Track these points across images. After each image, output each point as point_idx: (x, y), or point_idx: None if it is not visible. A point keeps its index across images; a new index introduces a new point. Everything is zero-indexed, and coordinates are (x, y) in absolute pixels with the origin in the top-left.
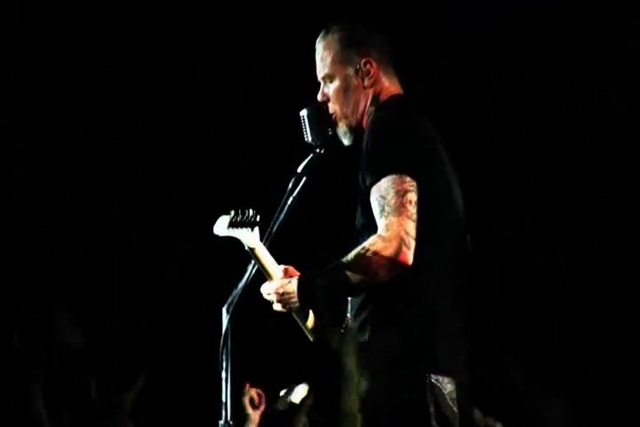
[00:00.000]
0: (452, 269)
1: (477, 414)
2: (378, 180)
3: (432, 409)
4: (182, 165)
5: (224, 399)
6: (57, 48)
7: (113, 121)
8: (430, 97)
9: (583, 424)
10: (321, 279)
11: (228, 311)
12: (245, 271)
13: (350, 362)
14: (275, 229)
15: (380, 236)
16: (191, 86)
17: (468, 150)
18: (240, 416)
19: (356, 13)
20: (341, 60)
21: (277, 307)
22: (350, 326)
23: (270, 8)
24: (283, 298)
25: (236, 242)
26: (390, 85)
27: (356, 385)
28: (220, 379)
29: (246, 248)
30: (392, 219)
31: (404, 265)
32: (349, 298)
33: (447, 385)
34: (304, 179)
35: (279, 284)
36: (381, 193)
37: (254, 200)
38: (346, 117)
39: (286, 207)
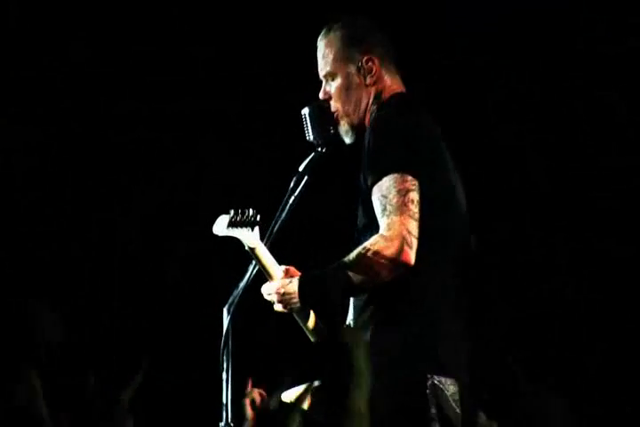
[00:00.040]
0: (455, 269)
1: (482, 416)
2: (379, 179)
3: (434, 411)
4: (182, 165)
5: (224, 401)
6: (57, 48)
7: (113, 121)
8: (430, 97)
9: (583, 424)
10: (322, 279)
11: (228, 312)
12: (246, 271)
13: (362, 361)
14: (276, 228)
15: (381, 235)
16: (191, 86)
17: (467, 150)
18: (241, 418)
19: (357, 13)
20: (343, 57)
21: (278, 307)
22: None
23: (270, 8)
24: (283, 298)
25: (236, 242)
26: (392, 83)
27: (367, 385)
28: (221, 380)
29: (246, 248)
30: (394, 218)
31: (406, 265)
32: (351, 298)
33: (450, 387)
34: (305, 178)
35: (280, 284)
36: (383, 192)
37: (254, 200)
38: (347, 116)
39: (288, 206)
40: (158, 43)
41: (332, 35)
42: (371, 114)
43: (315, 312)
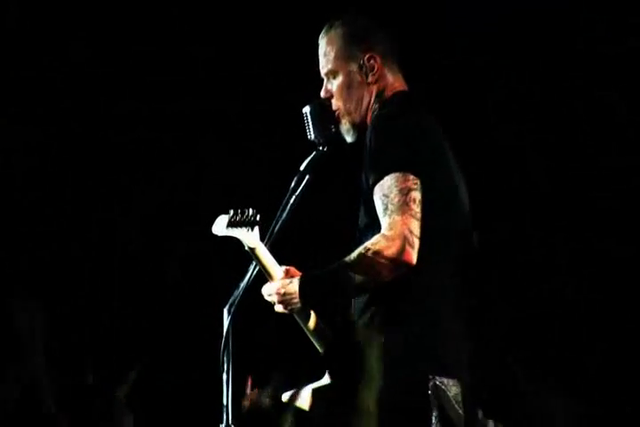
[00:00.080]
0: (456, 269)
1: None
2: (381, 178)
3: (435, 412)
4: (182, 165)
5: (225, 402)
6: (57, 48)
7: (113, 121)
8: (430, 97)
9: (583, 424)
10: (323, 279)
11: (229, 312)
12: (246, 272)
13: (374, 361)
14: (277, 228)
15: (383, 235)
16: (191, 86)
17: (467, 150)
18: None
19: (357, 13)
20: (344, 55)
21: (279, 308)
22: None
23: (270, 8)
24: (284, 299)
25: (236, 241)
26: (395, 81)
27: (377, 384)
28: (221, 380)
29: (246, 248)
30: (395, 217)
31: (407, 264)
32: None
33: (452, 388)
34: (307, 177)
35: (280, 284)
36: (384, 191)
37: (254, 200)
38: (349, 114)
39: (289, 206)
40: (158, 43)
41: (333, 32)
42: (372, 112)
43: (315, 313)
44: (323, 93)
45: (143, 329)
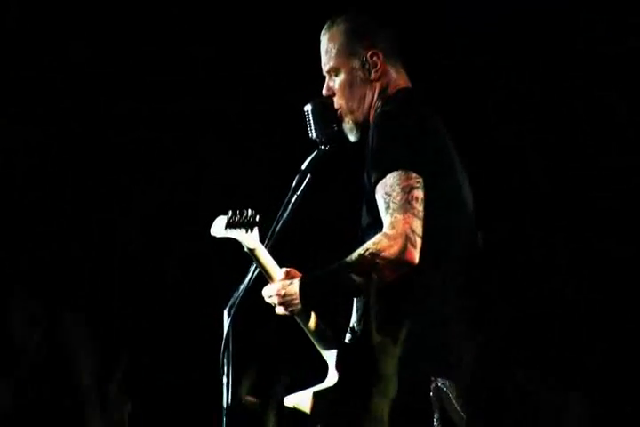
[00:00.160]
0: (459, 269)
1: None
2: (383, 176)
3: (437, 413)
4: (182, 165)
5: (224, 405)
6: (57, 48)
7: (113, 121)
8: (430, 97)
9: (583, 424)
10: (324, 280)
11: (229, 314)
12: (247, 273)
13: (389, 366)
14: (278, 228)
15: (384, 234)
16: (191, 86)
17: (467, 150)
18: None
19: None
20: (347, 52)
21: (280, 310)
22: (356, 326)
23: (270, 8)
24: (284, 300)
25: (236, 242)
26: (398, 78)
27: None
28: (221, 383)
29: (245, 249)
30: (397, 216)
31: (409, 264)
32: (354, 299)
33: (454, 389)
34: (308, 176)
35: (280, 285)
36: (386, 190)
37: (254, 200)
38: (352, 112)
39: (290, 206)
40: (158, 43)
41: (335, 29)
42: (375, 110)
43: (316, 314)
44: (324, 91)
45: (143, 330)
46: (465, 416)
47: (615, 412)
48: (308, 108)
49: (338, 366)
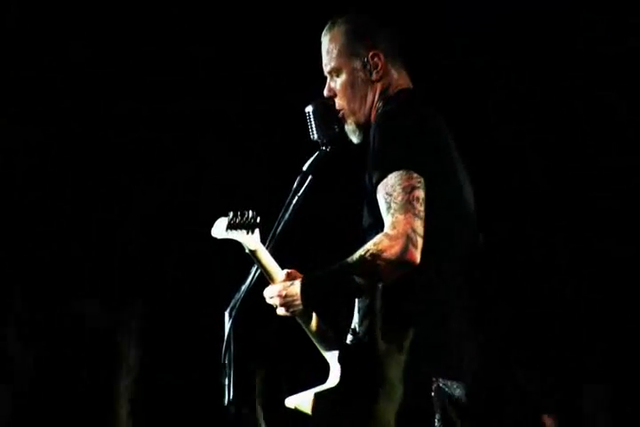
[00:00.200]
0: (460, 269)
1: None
2: (384, 176)
3: (438, 414)
4: (182, 165)
5: (226, 405)
6: (57, 48)
7: (113, 121)
8: (430, 97)
9: (583, 424)
10: (325, 281)
11: (230, 315)
12: (248, 274)
13: (395, 371)
14: (279, 229)
15: (385, 234)
16: (191, 86)
17: (467, 150)
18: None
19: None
20: (348, 53)
21: (281, 311)
22: (357, 327)
23: (270, 8)
24: (286, 301)
25: (236, 243)
26: (399, 79)
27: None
28: (222, 385)
29: (247, 251)
30: (398, 217)
31: (411, 264)
32: (356, 299)
33: (456, 390)
34: (310, 178)
35: (281, 286)
36: (388, 190)
37: (254, 200)
38: (354, 114)
39: (291, 207)
40: (158, 43)
41: (336, 29)
42: (377, 110)
43: (318, 315)
44: (326, 92)
45: (143, 330)
46: (466, 416)
47: (615, 412)
48: (309, 109)
49: (339, 367)
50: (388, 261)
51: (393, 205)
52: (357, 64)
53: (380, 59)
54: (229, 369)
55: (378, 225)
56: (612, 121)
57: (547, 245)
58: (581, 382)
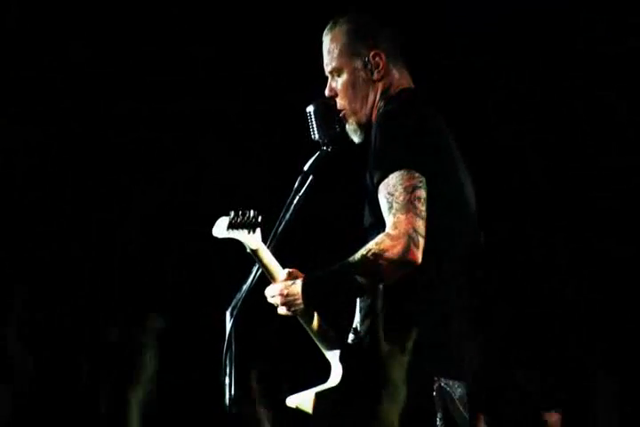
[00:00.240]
0: (461, 269)
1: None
2: (386, 176)
3: (440, 413)
4: (182, 165)
5: (227, 405)
6: (57, 48)
7: (113, 121)
8: (430, 97)
9: (584, 424)
10: (326, 280)
11: (231, 315)
12: (249, 274)
13: (397, 372)
14: (280, 229)
15: (387, 234)
16: (191, 86)
17: (468, 150)
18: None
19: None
20: (349, 52)
21: (282, 311)
22: (359, 327)
23: (270, 8)
24: (287, 300)
25: (237, 242)
26: (400, 78)
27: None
28: (223, 384)
29: (248, 250)
30: (400, 216)
31: (412, 264)
32: (357, 299)
33: (457, 390)
34: (311, 177)
35: (283, 286)
36: (389, 190)
37: (254, 200)
38: (355, 114)
39: (292, 207)
40: (158, 43)
41: (337, 29)
42: (378, 110)
43: (319, 314)
44: (327, 92)
45: (143, 330)
46: (467, 416)
47: (615, 412)
48: (310, 109)
49: (341, 367)
50: (390, 261)
51: (394, 204)
52: (359, 64)
53: (381, 58)
54: (230, 368)
55: (379, 225)
56: (612, 121)
57: (547, 245)
58: (581, 381)
